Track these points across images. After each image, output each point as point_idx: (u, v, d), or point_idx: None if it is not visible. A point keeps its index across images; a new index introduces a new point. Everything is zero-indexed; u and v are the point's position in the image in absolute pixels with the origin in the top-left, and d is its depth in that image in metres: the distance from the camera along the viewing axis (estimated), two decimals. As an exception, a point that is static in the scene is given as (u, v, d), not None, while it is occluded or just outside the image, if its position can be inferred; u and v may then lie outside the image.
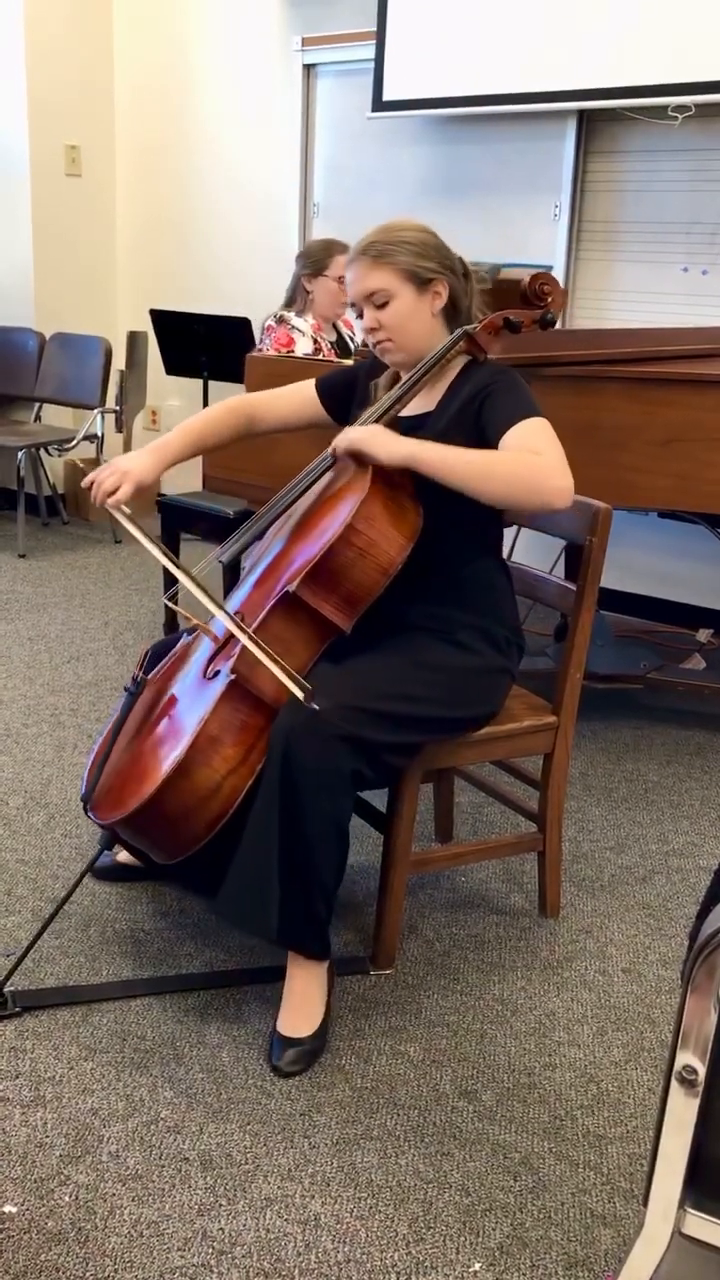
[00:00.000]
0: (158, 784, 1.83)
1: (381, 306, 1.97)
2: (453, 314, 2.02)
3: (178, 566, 1.99)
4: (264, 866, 1.83)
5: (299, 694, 1.80)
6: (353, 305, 2.03)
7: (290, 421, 2.24)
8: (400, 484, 1.93)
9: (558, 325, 2.17)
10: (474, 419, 1.96)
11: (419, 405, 2.04)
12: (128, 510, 2.03)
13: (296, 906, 1.84)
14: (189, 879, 2.31)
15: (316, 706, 1.80)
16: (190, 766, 1.83)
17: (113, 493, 2.01)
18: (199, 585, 1.94)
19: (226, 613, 1.90)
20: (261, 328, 3.77)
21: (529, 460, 1.85)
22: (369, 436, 1.90)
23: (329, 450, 2.00)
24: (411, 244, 1.95)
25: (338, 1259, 1.53)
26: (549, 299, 2.22)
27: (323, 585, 1.88)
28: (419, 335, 1.99)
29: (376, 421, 1.97)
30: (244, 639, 1.84)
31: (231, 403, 2.21)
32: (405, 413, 2.02)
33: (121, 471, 2.02)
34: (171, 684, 2.07)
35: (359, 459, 1.92)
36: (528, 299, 2.23)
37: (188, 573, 1.96)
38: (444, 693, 1.98)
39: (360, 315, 2.01)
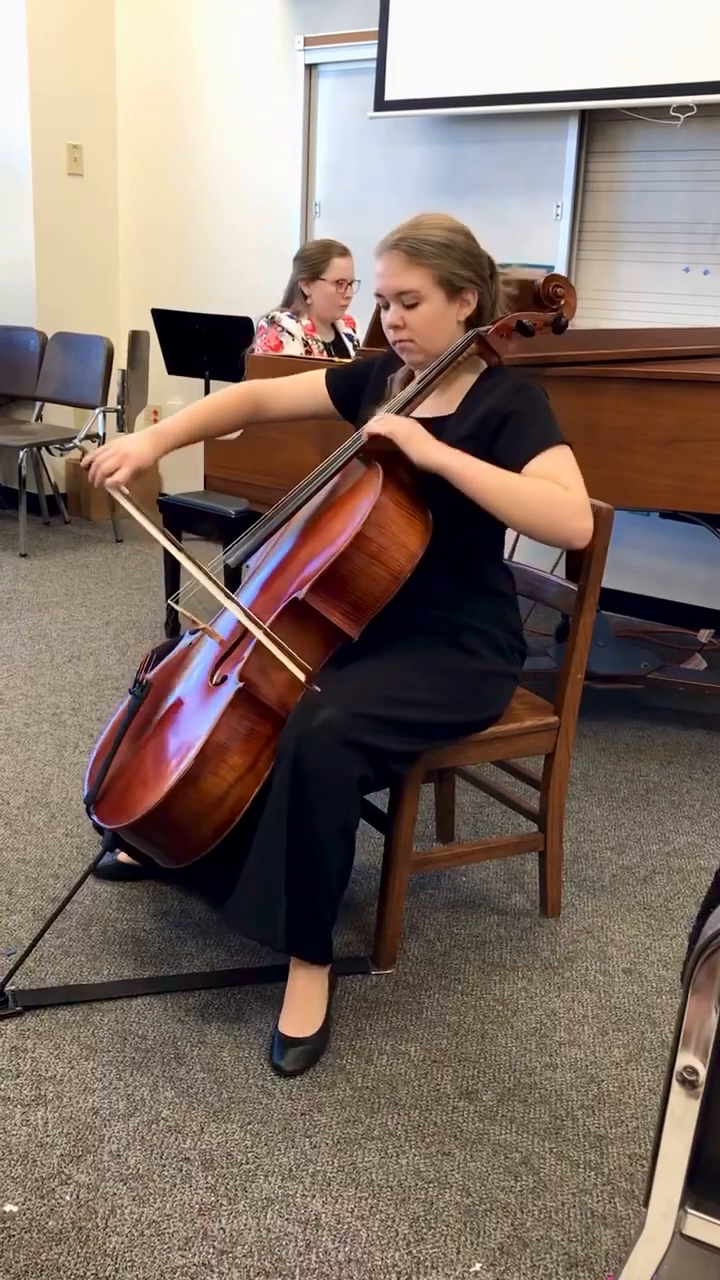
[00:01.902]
0: (164, 792, 1.82)
1: (410, 307, 1.94)
2: (475, 319, 2.00)
3: (180, 550, 1.97)
4: (272, 875, 1.83)
5: (299, 675, 1.80)
6: (378, 296, 1.99)
7: (296, 411, 2.22)
8: (409, 487, 1.91)
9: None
10: (490, 439, 1.94)
11: (435, 407, 2.02)
12: (126, 491, 2.01)
13: (303, 913, 1.84)
14: (190, 880, 2.31)
15: (319, 689, 1.80)
16: (197, 775, 1.82)
17: (111, 473, 2.00)
18: (200, 568, 1.91)
19: (230, 595, 1.88)
20: (255, 327, 3.77)
21: (558, 495, 1.85)
22: (409, 431, 1.88)
23: (359, 433, 1.96)
24: (450, 247, 1.92)
25: (338, 1259, 1.54)
26: (562, 301, 2.20)
27: (332, 592, 1.86)
28: (441, 340, 1.97)
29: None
30: (243, 618, 1.83)
31: (240, 388, 2.18)
32: (420, 413, 2.00)
33: (121, 454, 2.01)
34: (174, 686, 2.06)
35: (388, 449, 1.89)
36: (541, 301, 2.20)
37: (190, 557, 1.94)
38: (448, 696, 1.97)
39: (386, 306, 1.98)
